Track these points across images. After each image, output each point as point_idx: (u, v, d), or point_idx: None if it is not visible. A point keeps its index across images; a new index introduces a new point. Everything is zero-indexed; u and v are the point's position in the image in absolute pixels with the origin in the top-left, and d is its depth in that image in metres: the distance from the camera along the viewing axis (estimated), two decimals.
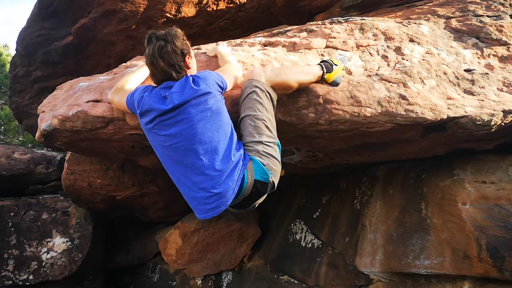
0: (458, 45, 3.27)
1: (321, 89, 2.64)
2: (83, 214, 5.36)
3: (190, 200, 2.33)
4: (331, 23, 3.32)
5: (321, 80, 2.66)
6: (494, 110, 2.70)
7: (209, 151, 2.22)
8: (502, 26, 3.38)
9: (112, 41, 5.47)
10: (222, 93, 2.36)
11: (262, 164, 2.30)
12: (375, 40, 3.13)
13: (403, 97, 2.67)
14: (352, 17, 3.38)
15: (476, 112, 2.68)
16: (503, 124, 2.77)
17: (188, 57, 2.35)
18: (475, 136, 2.89)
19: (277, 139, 2.42)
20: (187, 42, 2.39)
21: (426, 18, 3.56)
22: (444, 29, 3.43)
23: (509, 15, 3.60)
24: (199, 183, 2.24)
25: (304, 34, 3.21)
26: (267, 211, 5.33)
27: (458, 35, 3.38)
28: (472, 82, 2.93)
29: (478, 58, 3.21)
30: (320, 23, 3.36)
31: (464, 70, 3.04)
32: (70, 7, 5.02)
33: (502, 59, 3.24)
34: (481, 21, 3.44)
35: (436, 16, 3.59)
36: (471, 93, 2.86)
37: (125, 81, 2.60)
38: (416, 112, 2.62)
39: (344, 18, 3.39)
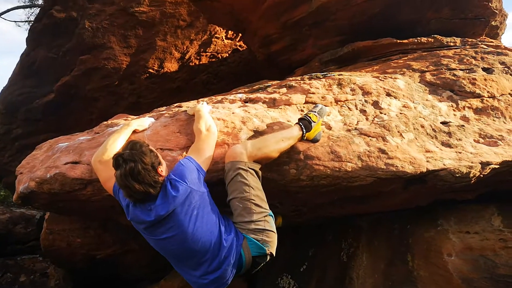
0: (433, 98, 3.36)
1: (301, 145, 2.66)
2: (62, 275, 5.19)
3: (191, 283, 2.43)
4: (310, 78, 3.40)
5: (302, 139, 2.69)
6: (472, 162, 2.74)
7: (202, 247, 2.27)
8: (475, 79, 3.50)
9: (94, 97, 5.53)
10: (202, 179, 2.37)
11: (257, 240, 2.36)
12: (353, 94, 3.20)
13: (382, 151, 2.69)
14: (330, 73, 3.48)
15: (454, 165, 2.71)
16: (481, 176, 2.80)
17: (159, 168, 2.27)
18: (455, 188, 2.91)
19: (269, 210, 2.45)
20: (155, 153, 2.33)
21: (402, 72, 3.67)
22: (419, 82, 3.54)
23: (481, 68, 3.74)
24: (197, 274, 2.33)
25: (284, 90, 3.27)
26: None
27: (433, 88, 3.48)
28: (449, 134, 2.99)
29: (454, 110, 3.29)
30: (300, 79, 3.44)
31: (441, 123, 3.10)
32: (52, 65, 5.09)
33: (477, 111, 3.32)
34: (454, 75, 3.56)
35: (411, 70, 3.71)
36: (448, 145, 2.91)
37: (110, 151, 2.52)
38: (396, 166, 2.64)
39: (323, 73, 3.48)
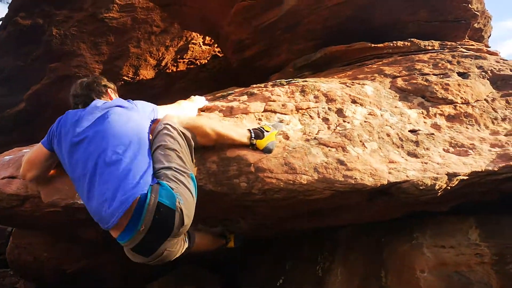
0: (403, 105, 3.19)
1: (252, 156, 2.48)
2: None
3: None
4: (273, 85, 3.24)
5: (251, 146, 2.52)
6: (437, 174, 2.56)
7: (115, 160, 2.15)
8: (448, 84, 3.33)
9: (68, 106, 5.38)
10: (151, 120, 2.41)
11: (170, 187, 2.06)
12: (316, 102, 3.03)
13: (341, 162, 2.52)
14: (295, 79, 3.31)
15: (418, 176, 2.53)
16: (449, 188, 2.62)
17: (111, 91, 2.58)
18: (423, 200, 2.73)
19: (192, 172, 2.22)
20: (114, 86, 2.67)
21: (372, 78, 3.51)
22: (389, 88, 3.37)
23: (457, 73, 3.57)
24: (98, 196, 2.12)
25: (245, 97, 3.11)
26: (231, 279, 5.04)
27: (403, 94, 3.32)
28: (417, 143, 2.81)
29: (424, 117, 3.12)
30: (263, 86, 3.28)
31: (409, 131, 2.93)
32: (21, 74, 4.96)
33: (450, 118, 3.15)
34: (427, 80, 3.40)
35: (382, 76, 3.55)
36: (415, 155, 2.73)
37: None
38: (355, 178, 2.47)
39: (287, 80, 3.32)
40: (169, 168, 2.14)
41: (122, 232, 2.05)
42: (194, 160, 2.41)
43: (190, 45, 5.71)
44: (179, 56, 5.70)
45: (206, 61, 5.81)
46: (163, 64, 5.50)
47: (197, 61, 5.81)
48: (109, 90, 2.60)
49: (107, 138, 2.17)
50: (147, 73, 5.46)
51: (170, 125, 2.29)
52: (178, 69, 5.74)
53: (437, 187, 2.56)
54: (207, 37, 5.76)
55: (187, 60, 5.84)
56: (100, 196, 2.06)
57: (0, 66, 5.12)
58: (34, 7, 4.61)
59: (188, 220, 2.13)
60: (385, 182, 2.49)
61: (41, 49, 4.87)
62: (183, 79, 5.95)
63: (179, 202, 2.05)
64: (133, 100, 2.47)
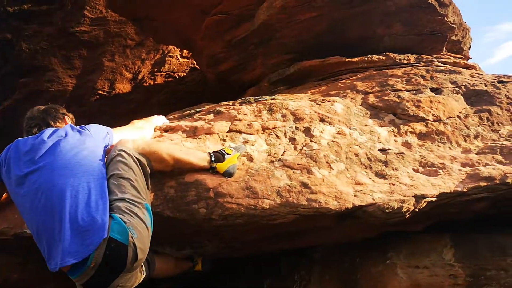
0: (373, 123, 3.12)
1: (211, 181, 2.39)
2: None
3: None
4: (241, 103, 3.15)
5: (211, 169, 2.43)
6: (404, 196, 2.49)
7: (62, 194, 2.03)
8: (419, 101, 3.28)
9: None
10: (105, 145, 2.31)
11: (123, 221, 1.94)
12: (283, 121, 2.95)
13: (305, 185, 2.44)
14: (263, 97, 3.23)
15: (384, 199, 2.45)
16: (417, 210, 2.54)
17: (68, 119, 2.51)
18: (391, 223, 2.65)
19: (147, 202, 2.13)
20: (72, 116, 2.60)
21: (344, 94, 3.44)
22: (360, 105, 3.30)
23: (429, 88, 3.51)
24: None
25: (211, 116, 3.02)
26: None
27: (374, 111, 3.25)
28: (385, 163, 2.74)
29: (395, 136, 3.05)
30: (231, 104, 3.20)
31: (378, 150, 2.86)
32: None
33: (421, 136, 3.09)
34: (398, 96, 3.33)
35: (354, 92, 3.48)
36: (383, 176, 2.66)
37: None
38: (319, 202, 2.38)
39: (256, 98, 3.24)
40: (122, 199, 2.04)
41: (72, 268, 1.93)
42: (150, 186, 2.31)
43: (167, 58, 5.62)
44: (156, 69, 5.61)
45: (185, 74, 5.72)
46: (139, 77, 5.41)
47: (175, 74, 5.72)
48: (66, 117, 2.51)
49: (58, 170, 2.05)
50: (123, 87, 5.36)
51: (124, 151, 2.19)
52: (156, 82, 5.64)
53: (404, 209, 2.48)
54: (184, 50, 5.68)
55: (165, 73, 5.75)
56: (50, 235, 1.95)
57: None
58: (2, 22, 4.50)
59: (142, 254, 2.02)
60: (350, 206, 2.41)
61: (11, 64, 4.76)
62: (161, 93, 5.86)
63: (131, 237, 1.94)
64: (87, 124, 2.37)
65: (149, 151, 2.27)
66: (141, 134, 2.58)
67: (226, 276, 4.52)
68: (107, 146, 2.32)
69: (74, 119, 2.61)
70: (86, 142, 2.21)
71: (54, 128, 2.31)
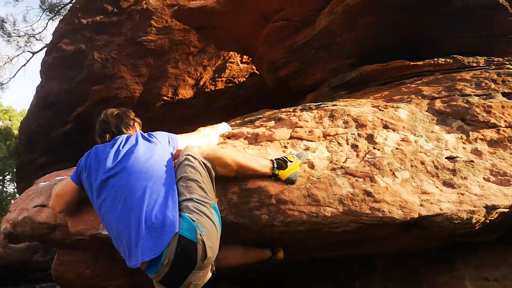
0: (440, 130, 3.00)
1: (273, 188, 2.41)
2: None
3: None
4: (301, 110, 3.15)
5: (273, 176, 2.45)
6: (474, 207, 2.37)
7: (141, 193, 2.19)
8: (490, 106, 3.11)
9: None
10: (171, 150, 2.45)
11: (191, 219, 2.04)
12: (345, 128, 2.91)
13: (368, 193, 2.39)
14: (324, 103, 3.21)
15: (453, 210, 2.35)
16: (488, 221, 2.42)
17: (137, 125, 2.65)
18: (459, 234, 2.54)
19: (214, 201, 2.22)
20: (140, 121, 2.73)
21: (409, 100, 3.34)
22: (426, 111, 3.19)
23: (501, 93, 3.33)
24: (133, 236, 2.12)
25: (272, 123, 3.05)
26: None
27: (441, 117, 3.12)
28: (454, 172, 2.63)
29: (464, 143, 2.92)
30: (291, 110, 3.20)
31: (446, 158, 2.75)
32: (66, 96, 5.16)
33: (492, 143, 2.93)
34: (467, 101, 3.18)
35: (420, 97, 3.37)
36: (451, 185, 2.55)
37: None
38: (382, 211, 2.33)
39: (317, 104, 3.22)
40: (190, 199, 2.14)
41: (148, 265, 2.06)
42: (215, 191, 2.37)
43: (227, 64, 5.73)
44: (217, 75, 5.73)
45: (244, 79, 5.80)
46: (201, 83, 5.55)
47: (235, 80, 5.81)
48: (135, 124, 2.66)
49: (134, 174, 2.20)
50: (186, 93, 5.53)
51: (191, 155, 2.30)
52: (217, 88, 5.77)
53: (474, 221, 2.37)
54: (244, 56, 5.76)
55: (225, 79, 5.86)
56: (129, 234, 2.08)
57: (47, 90, 5.37)
58: (76, 33, 4.80)
59: (212, 252, 2.09)
60: (416, 216, 2.33)
61: (84, 73, 5.06)
62: (222, 98, 5.98)
63: (200, 234, 2.02)
64: (153, 132, 2.50)
65: (213, 156, 2.35)
66: (207, 141, 2.68)
67: (284, 280, 4.53)
68: (173, 151, 2.44)
69: (141, 124, 2.75)
70: (155, 149, 2.35)
71: (127, 135, 2.47)
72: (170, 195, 2.15)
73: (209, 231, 2.07)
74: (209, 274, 2.36)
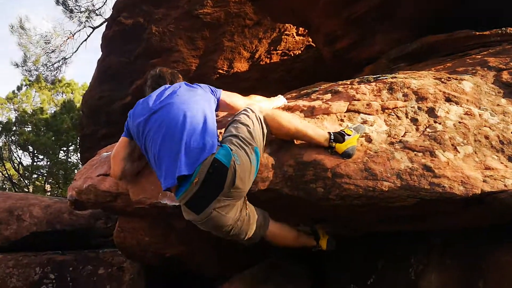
0: (507, 103, 2.84)
1: (329, 161, 2.40)
2: (137, 269, 5.42)
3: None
4: (359, 82, 3.08)
5: (329, 148, 2.44)
6: None
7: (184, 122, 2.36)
8: None
9: None
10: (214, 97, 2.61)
11: (230, 148, 2.17)
12: (405, 101, 2.82)
13: (428, 168, 2.33)
14: (384, 75, 3.11)
15: None
16: None
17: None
18: None
19: (258, 146, 2.30)
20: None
21: (473, 71, 3.17)
22: (492, 83, 3.02)
23: None
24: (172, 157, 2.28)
25: (328, 96, 3.01)
26: (320, 273, 4.99)
27: (509, 90, 2.95)
28: None
29: None
30: (349, 83, 3.14)
31: None
32: (125, 70, 5.31)
33: None
34: None
35: (486, 68, 3.19)
36: None
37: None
38: (443, 186, 2.27)
39: (375, 76, 3.14)
40: (235, 136, 2.27)
41: (179, 188, 2.19)
42: (264, 147, 2.44)
43: (283, 36, 5.67)
44: (272, 47, 5.70)
45: (300, 52, 5.73)
46: (256, 56, 5.55)
47: (291, 52, 5.75)
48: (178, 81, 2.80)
49: (177, 105, 2.37)
50: (241, 66, 5.55)
51: (250, 109, 2.43)
52: (272, 61, 5.74)
53: None
54: (300, 28, 5.67)
55: (281, 52, 5.81)
56: (169, 157, 2.22)
57: (107, 63, 5.57)
58: (135, 7, 4.91)
59: (241, 183, 2.17)
60: (478, 192, 2.26)
61: (142, 46, 5.20)
62: (277, 71, 5.94)
63: (234, 162, 2.12)
64: None
65: (272, 116, 2.43)
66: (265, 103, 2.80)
67: (338, 254, 4.54)
68: (215, 98, 2.62)
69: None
70: (197, 91, 2.54)
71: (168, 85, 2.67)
72: (211, 125, 2.33)
73: (243, 163, 2.17)
74: (246, 218, 2.39)
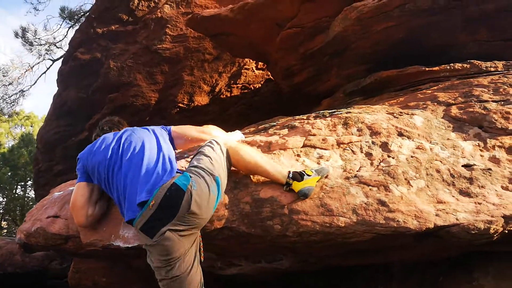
0: (457, 137, 2.95)
1: (286, 198, 2.39)
2: None
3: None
4: (315, 117, 3.13)
5: (286, 185, 2.42)
6: (492, 217, 2.32)
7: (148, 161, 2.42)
8: (509, 112, 3.04)
9: None
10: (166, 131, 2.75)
11: (189, 176, 2.21)
12: (359, 135, 2.88)
13: (383, 203, 2.36)
14: (339, 111, 3.18)
15: (469, 220, 2.30)
16: (506, 231, 2.36)
17: None
18: (477, 244, 2.49)
19: (220, 177, 2.30)
20: None
21: (424, 106, 3.29)
22: (442, 118, 3.13)
23: None
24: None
25: (285, 131, 3.03)
26: None
27: (458, 124, 3.07)
28: (470, 180, 2.58)
29: (481, 150, 2.86)
30: (305, 118, 3.18)
31: (462, 166, 2.69)
32: (82, 104, 5.22)
33: (511, 150, 2.86)
34: (485, 108, 3.12)
35: (435, 103, 3.31)
36: (467, 194, 2.50)
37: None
38: (397, 221, 2.29)
39: (330, 111, 3.20)
40: (196, 166, 2.28)
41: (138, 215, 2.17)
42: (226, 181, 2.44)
43: (243, 70, 5.73)
44: (232, 81, 5.74)
45: (260, 85, 5.80)
46: (217, 90, 5.57)
47: (251, 86, 5.81)
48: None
49: (135, 142, 2.49)
50: (201, 99, 5.55)
51: (215, 141, 2.47)
52: (232, 94, 5.78)
53: (491, 231, 2.32)
54: (259, 62, 5.76)
55: (241, 85, 5.86)
56: (131, 186, 2.27)
57: (64, 99, 5.45)
58: (92, 43, 4.86)
59: (198, 209, 2.14)
60: (431, 226, 2.30)
61: (100, 81, 5.12)
62: (238, 104, 5.98)
63: (191, 186, 2.13)
64: None
65: (235, 149, 2.46)
66: (202, 135, 2.86)
67: (300, 286, 4.49)
68: (167, 129, 2.75)
69: None
70: (150, 128, 2.66)
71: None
72: (169, 156, 2.43)
73: (201, 189, 2.17)
74: (190, 270, 2.23)
